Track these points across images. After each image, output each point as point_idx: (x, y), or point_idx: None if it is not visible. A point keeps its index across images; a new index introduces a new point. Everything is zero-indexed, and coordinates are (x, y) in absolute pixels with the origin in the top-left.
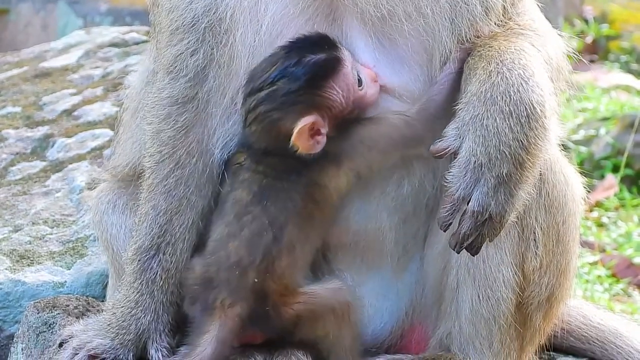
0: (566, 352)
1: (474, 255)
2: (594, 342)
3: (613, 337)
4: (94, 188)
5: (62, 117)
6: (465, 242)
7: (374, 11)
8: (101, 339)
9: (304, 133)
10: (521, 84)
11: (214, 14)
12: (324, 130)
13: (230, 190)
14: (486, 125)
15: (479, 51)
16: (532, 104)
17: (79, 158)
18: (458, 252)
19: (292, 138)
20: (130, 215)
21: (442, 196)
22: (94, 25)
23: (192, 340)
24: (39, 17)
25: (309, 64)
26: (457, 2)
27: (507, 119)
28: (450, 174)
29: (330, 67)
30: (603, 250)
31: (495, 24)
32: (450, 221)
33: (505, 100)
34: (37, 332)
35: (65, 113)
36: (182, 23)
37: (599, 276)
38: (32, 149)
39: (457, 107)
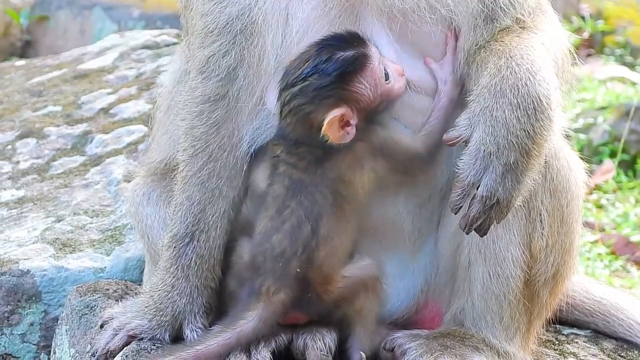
0: (571, 325)
1: (482, 236)
2: (596, 315)
3: (614, 310)
4: (130, 180)
5: (100, 115)
6: (475, 224)
7: (396, 7)
8: (139, 320)
9: (334, 124)
10: (529, 77)
11: (247, 17)
12: (353, 122)
13: (270, 184)
14: (495, 116)
15: (490, 45)
16: (539, 97)
17: (116, 153)
18: (467, 233)
19: (323, 128)
20: (164, 206)
21: (454, 182)
22: (127, 30)
23: (236, 313)
24: (77, 22)
25: (339, 60)
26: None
27: (515, 111)
28: (461, 161)
29: (359, 63)
30: (602, 230)
31: (513, 21)
32: (460, 205)
33: (513, 93)
34: (80, 315)
35: (102, 111)
36: (216, 26)
37: (599, 254)
38: (72, 145)
39: (468, 98)
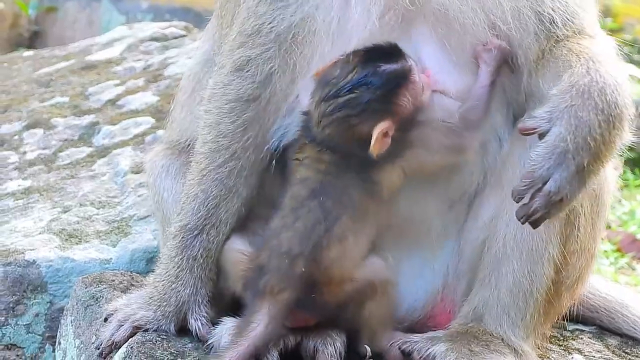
0: (576, 320)
1: (534, 228)
2: (601, 311)
3: (619, 306)
4: (138, 172)
5: (107, 106)
6: (534, 216)
7: (458, 22)
8: (144, 311)
9: (379, 137)
10: (616, 86)
11: (306, 26)
12: (391, 133)
13: (289, 186)
14: (580, 116)
15: (566, 45)
16: (621, 107)
17: (123, 144)
18: (523, 224)
19: (372, 142)
20: (181, 181)
21: (524, 171)
22: (135, 22)
23: (244, 319)
24: (85, 14)
25: (385, 73)
26: (539, 11)
27: (598, 115)
28: (535, 152)
29: (404, 76)
30: (609, 227)
31: (567, 35)
32: (524, 195)
33: (601, 98)
34: (85, 306)
35: (110, 102)
36: (267, 31)
37: (605, 251)
38: (80, 136)
39: (551, 92)
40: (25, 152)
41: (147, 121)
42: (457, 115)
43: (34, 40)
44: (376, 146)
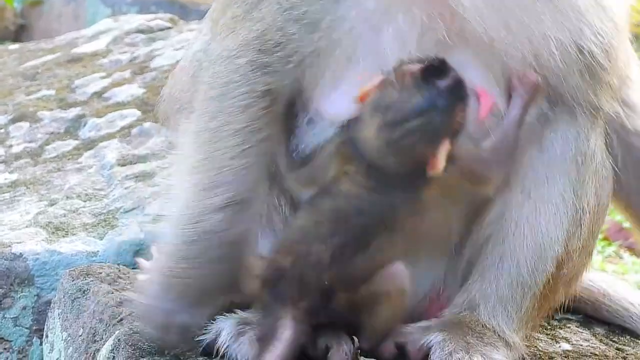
0: (563, 310)
1: None
2: (586, 300)
3: (602, 297)
4: (124, 165)
5: (93, 99)
6: None
7: (488, 46)
8: None
9: (442, 158)
10: None
11: (328, 52)
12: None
13: (328, 197)
14: None
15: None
16: None
17: (109, 136)
18: None
19: (440, 164)
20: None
21: None
22: (121, 14)
23: (267, 323)
24: (70, 7)
25: (447, 93)
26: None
27: None
28: None
29: (461, 93)
30: None
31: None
32: None
33: None
34: (72, 298)
35: (96, 95)
36: (290, 52)
37: None
38: (66, 129)
39: None
40: (11, 146)
41: (133, 113)
42: (487, 146)
43: (19, 33)
44: (439, 167)
